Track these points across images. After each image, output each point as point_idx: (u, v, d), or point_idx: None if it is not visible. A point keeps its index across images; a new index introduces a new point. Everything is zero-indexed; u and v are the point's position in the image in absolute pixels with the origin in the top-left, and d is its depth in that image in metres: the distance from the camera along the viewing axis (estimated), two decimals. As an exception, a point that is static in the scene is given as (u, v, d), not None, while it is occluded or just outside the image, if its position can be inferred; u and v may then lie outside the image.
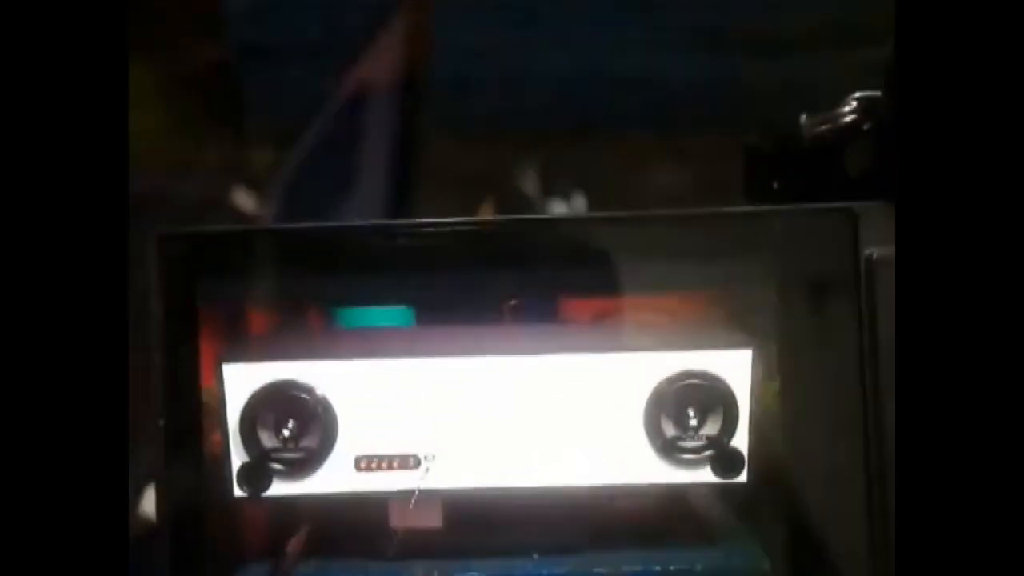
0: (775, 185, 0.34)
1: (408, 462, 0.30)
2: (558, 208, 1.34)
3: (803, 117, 0.33)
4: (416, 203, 0.89)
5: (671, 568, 0.31)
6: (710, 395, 0.30)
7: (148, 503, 0.63)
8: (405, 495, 0.30)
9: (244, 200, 0.94)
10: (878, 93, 0.32)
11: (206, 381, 0.30)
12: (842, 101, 0.33)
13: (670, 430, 0.30)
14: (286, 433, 0.30)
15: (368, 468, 0.30)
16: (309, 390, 0.30)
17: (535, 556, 0.31)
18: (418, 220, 0.29)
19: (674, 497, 0.33)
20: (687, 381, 0.30)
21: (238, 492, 0.30)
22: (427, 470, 0.30)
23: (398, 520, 0.31)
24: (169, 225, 0.28)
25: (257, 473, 0.30)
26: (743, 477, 0.30)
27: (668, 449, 0.30)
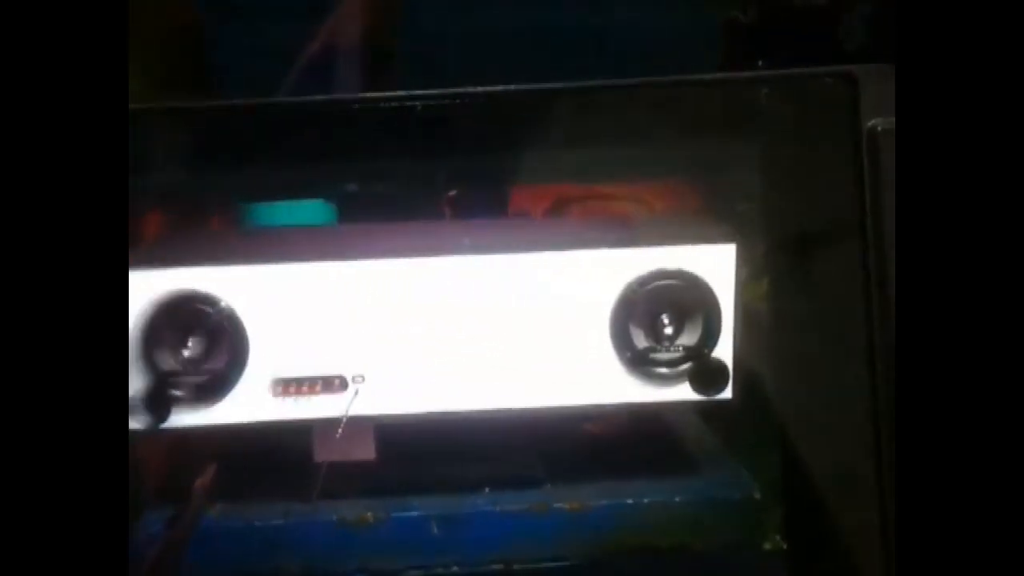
0: (759, 63, 0.30)
1: (334, 384, 0.27)
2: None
3: (793, -18, 0.30)
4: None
5: (645, 501, 0.28)
6: (687, 298, 0.27)
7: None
8: (331, 423, 0.27)
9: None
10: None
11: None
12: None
13: (641, 340, 0.27)
14: (187, 353, 0.26)
15: (287, 393, 0.27)
16: (213, 301, 0.26)
17: (486, 490, 0.29)
18: (346, 96, 0.26)
19: (647, 418, 0.30)
20: (660, 282, 0.26)
21: (132, 424, 0.26)
22: (356, 393, 0.27)
23: (323, 453, 0.28)
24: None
25: (153, 401, 0.26)
26: (728, 393, 0.27)
27: (639, 362, 0.27)
